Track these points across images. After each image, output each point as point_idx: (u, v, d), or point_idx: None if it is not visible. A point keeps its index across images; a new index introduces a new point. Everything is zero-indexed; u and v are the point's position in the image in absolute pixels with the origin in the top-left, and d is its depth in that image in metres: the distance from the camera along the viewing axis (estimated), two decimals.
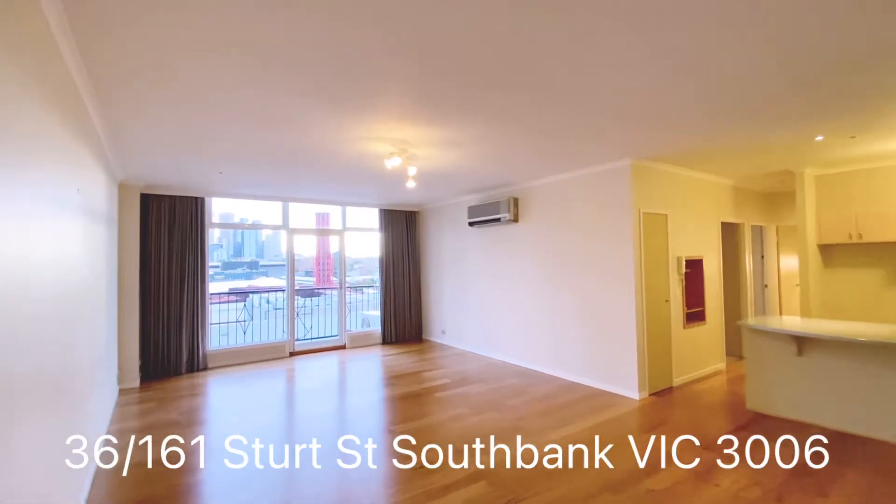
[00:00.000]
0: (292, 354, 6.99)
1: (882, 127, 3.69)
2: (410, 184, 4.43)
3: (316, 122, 3.33)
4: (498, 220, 6.17)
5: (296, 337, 7.20)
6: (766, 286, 6.92)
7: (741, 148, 4.26)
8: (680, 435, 3.62)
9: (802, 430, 3.66)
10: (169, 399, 4.86)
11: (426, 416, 4.20)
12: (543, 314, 5.66)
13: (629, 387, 4.65)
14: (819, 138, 3.98)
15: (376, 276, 8.25)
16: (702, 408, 4.29)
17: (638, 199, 4.70)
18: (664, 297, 4.97)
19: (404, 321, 8.10)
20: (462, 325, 7.24)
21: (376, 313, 8.28)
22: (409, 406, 4.49)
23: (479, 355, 6.72)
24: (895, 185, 4.96)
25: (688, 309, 5.29)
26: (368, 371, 5.99)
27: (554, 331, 5.51)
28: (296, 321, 7.22)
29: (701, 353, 5.45)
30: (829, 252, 5.52)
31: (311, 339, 7.65)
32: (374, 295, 8.74)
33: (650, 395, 4.70)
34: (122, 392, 5.13)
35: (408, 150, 4.08)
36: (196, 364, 6.06)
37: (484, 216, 6.40)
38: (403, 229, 8.16)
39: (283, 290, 7.21)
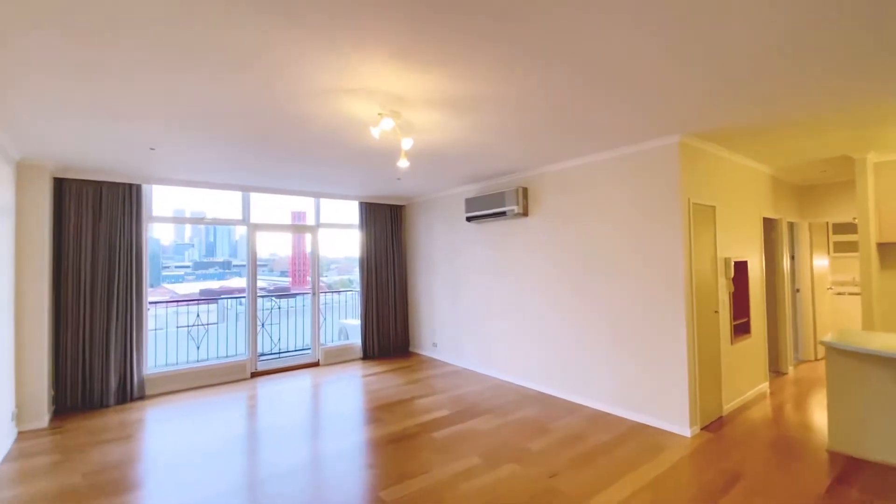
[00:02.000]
0: (255, 375, 5.82)
1: None
2: (403, 163, 3.39)
3: (276, 63, 2.25)
4: (503, 213, 5.18)
5: (259, 353, 6.03)
6: (797, 290, 6.17)
7: (803, 123, 3.38)
8: (765, 494, 2.70)
9: None
10: (81, 447, 3.65)
11: (426, 470, 3.16)
12: (563, 327, 4.69)
13: (677, 420, 3.72)
14: None
15: (356, 277, 7.13)
16: (770, 448, 3.40)
17: (688, 185, 3.78)
18: (713, 307, 4.08)
19: (389, 332, 7.02)
20: (458, 338, 6.22)
21: (356, 322, 7.17)
22: (402, 454, 3.43)
23: (480, 374, 5.71)
24: None
25: (734, 320, 4.43)
26: (347, 398, 4.90)
27: (577, 347, 4.55)
28: (259, 333, 6.04)
29: (747, 372, 4.60)
30: (887, 252, 4.76)
31: (279, 354, 6.48)
32: (353, 299, 7.62)
33: (702, 429, 3.80)
34: (20, 437, 3.89)
35: (401, 114, 3.03)
36: (129, 392, 4.83)
37: (485, 209, 5.39)
38: (388, 226, 7.08)
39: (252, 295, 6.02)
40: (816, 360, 6.10)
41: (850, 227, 6.63)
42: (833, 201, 6.15)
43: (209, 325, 6.90)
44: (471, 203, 5.63)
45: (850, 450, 3.26)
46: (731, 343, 4.32)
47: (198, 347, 6.22)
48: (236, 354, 6.06)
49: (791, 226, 6.11)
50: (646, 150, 3.92)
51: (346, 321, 7.86)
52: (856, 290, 6.49)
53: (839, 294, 6.72)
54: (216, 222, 6.01)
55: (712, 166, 4.14)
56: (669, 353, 3.78)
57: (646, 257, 3.94)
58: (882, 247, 4.72)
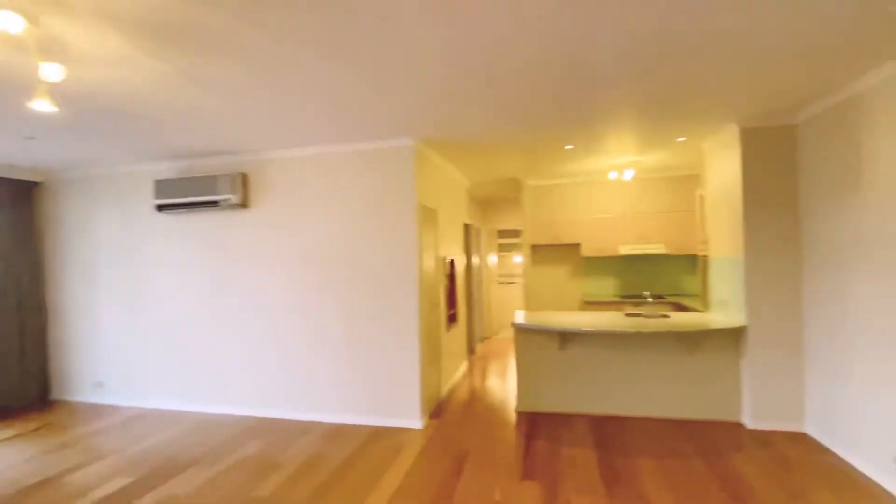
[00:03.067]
0: None
1: (589, 146, 4.30)
2: (41, 105, 2.06)
3: None
4: (214, 203, 4.12)
5: None
6: (480, 283, 7.67)
7: (507, 144, 4.16)
8: (486, 463, 3.04)
9: (573, 422, 3.80)
10: None
11: None
12: (293, 338, 4.10)
13: (412, 414, 3.81)
14: (568, 147, 4.33)
15: None
16: (481, 420, 3.94)
17: (419, 188, 3.94)
18: (436, 302, 4.43)
19: (8, 376, 4.52)
20: (142, 370, 4.58)
21: None
22: None
23: (179, 413, 4.36)
24: (580, 198, 6.23)
25: (447, 311, 4.99)
26: None
27: (310, 359, 4.05)
28: None
29: (456, 356, 5.27)
30: (537, 252, 6.46)
31: None
32: None
33: (430, 418, 4.03)
34: None
35: (39, 20, 1.81)
36: None
37: (188, 196, 4.16)
38: (8, 212, 4.55)
39: None
40: (493, 337, 7.75)
41: (510, 233, 8.78)
42: (501, 212, 7.98)
43: None
44: (165, 187, 4.23)
45: (532, 407, 4.13)
46: (447, 331, 4.84)
47: None
48: None
49: (478, 230, 7.54)
50: (385, 148, 3.86)
51: None
52: (512, 280, 8.64)
53: (502, 284, 8.80)
54: None
55: (435, 172, 4.51)
56: (403, 351, 3.83)
57: (383, 257, 3.88)
58: (534, 248, 6.37)
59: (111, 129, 3.35)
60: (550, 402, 4.08)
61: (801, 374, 3.47)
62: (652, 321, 3.90)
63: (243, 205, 4.19)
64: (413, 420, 3.80)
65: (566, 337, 4.01)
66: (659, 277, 6.05)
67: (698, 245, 5.46)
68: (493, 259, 8.23)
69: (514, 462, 3.13)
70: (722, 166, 3.99)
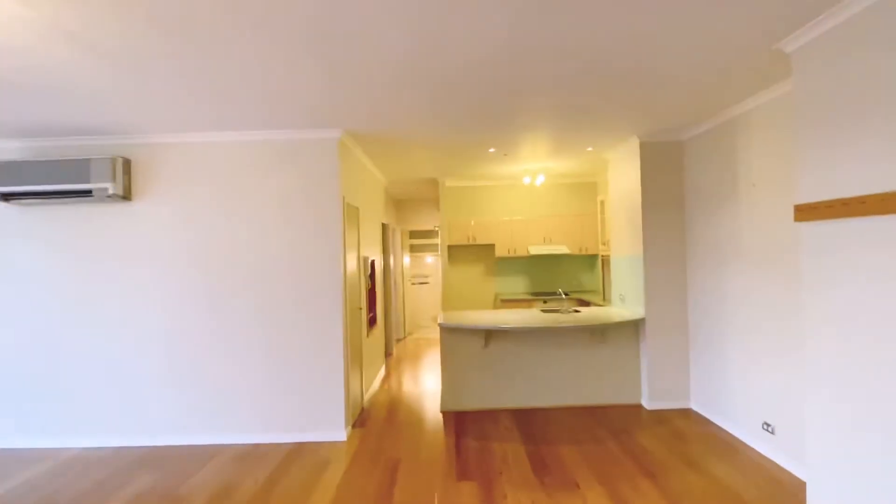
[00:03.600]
0: None
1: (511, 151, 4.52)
2: None
3: None
4: (87, 193, 3.41)
5: None
6: (394, 284, 7.54)
7: (433, 143, 4.14)
8: (419, 468, 2.98)
9: (499, 417, 3.90)
10: None
11: None
12: (197, 354, 3.56)
13: (336, 425, 3.57)
14: (491, 150, 4.44)
15: None
16: (406, 426, 3.85)
17: (343, 184, 3.71)
18: (358, 305, 4.22)
19: None
20: None
21: None
22: None
23: (46, 451, 3.52)
24: (495, 200, 6.46)
25: (368, 313, 4.79)
26: None
27: (219, 376, 3.56)
28: None
29: (375, 360, 5.09)
30: (453, 251, 6.54)
31: None
32: None
33: (353, 427, 3.82)
34: None
35: None
36: None
37: (48, 183, 3.37)
38: None
39: None
40: (406, 337, 7.67)
41: (421, 234, 8.77)
42: (415, 212, 7.94)
43: None
44: (13, 169, 3.38)
45: (457, 406, 4.15)
46: (367, 336, 4.65)
47: None
48: None
49: (393, 230, 7.40)
50: (308, 139, 3.56)
51: None
52: (425, 280, 8.65)
53: (414, 284, 8.76)
54: None
55: (357, 168, 4.30)
56: (327, 359, 3.57)
57: (304, 258, 3.58)
58: (451, 248, 6.44)
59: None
60: (475, 400, 4.15)
61: (686, 357, 4.01)
62: (565, 316, 4.18)
63: (125, 196, 3.53)
64: (337, 432, 3.56)
65: (491, 334, 4.11)
66: (563, 275, 6.54)
67: (599, 245, 6.02)
68: (405, 259, 8.15)
69: (447, 463, 3.10)
70: (623, 174, 4.44)
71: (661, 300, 4.01)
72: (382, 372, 5.46)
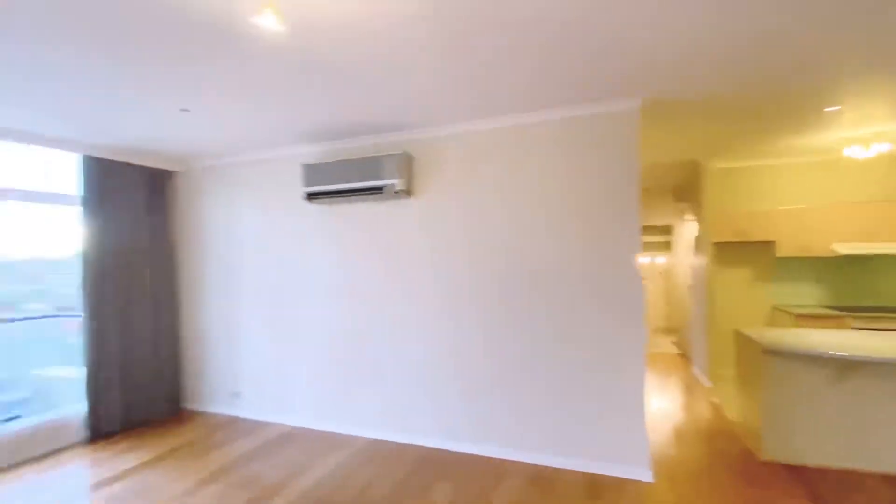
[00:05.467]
0: None
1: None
2: (268, 22, 1.41)
3: None
4: (378, 190, 3.46)
5: None
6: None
7: (744, 101, 3.16)
8: None
9: (862, 481, 2.74)
10: None
11: None
12: (478, 355, 3.35)
13: (637, 461, 2.92)
14: (834, 108, 3.23)
15: (67, 290, 3.93)
16: (721, 473, 2.97)
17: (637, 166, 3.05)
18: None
19: (146, 383, 4.15)
20: (286, 381, 4.03)
21: (71, 373, 3.98)
22: None
23: (331, 435, 3.77)
24: (777, 184, 5.03)
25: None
26: None
27: (499, 380, 3.29)
28: None
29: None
30: (721, 250, 5.29)
31: None
32: (58, 329, 4.25)
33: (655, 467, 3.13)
34: None
35: None
36: None
37: (343, 182, 3.53)
38: (143, 204, 4.19)
39: None
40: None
41: (652, 230, 7.65)
42: (648, 206, 6.85)
43: None
44: (316, 172, 3.64)
45: (786, 457, 3.10)
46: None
47: None
48: None
49: None
50: (600, 113, 3.00)
51: (46, 371, 4.37)
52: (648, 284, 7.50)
53: None
54: None
55: (646, 145, 3.59)
56: (626, 374, 2.96)
57: (599, 256, 3.04)
58: (718, 245, 5.24)
59: (281, 93, 2.75)
60: (818, 453, 3.03)
61: None
62: None
63: (407, 192, 3.50)
64: (640, 469, 2.90)
65: (849, 366, 2.94)
66: (884, 284, 4.74)
67: None
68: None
69: None
70: None
71: None
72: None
